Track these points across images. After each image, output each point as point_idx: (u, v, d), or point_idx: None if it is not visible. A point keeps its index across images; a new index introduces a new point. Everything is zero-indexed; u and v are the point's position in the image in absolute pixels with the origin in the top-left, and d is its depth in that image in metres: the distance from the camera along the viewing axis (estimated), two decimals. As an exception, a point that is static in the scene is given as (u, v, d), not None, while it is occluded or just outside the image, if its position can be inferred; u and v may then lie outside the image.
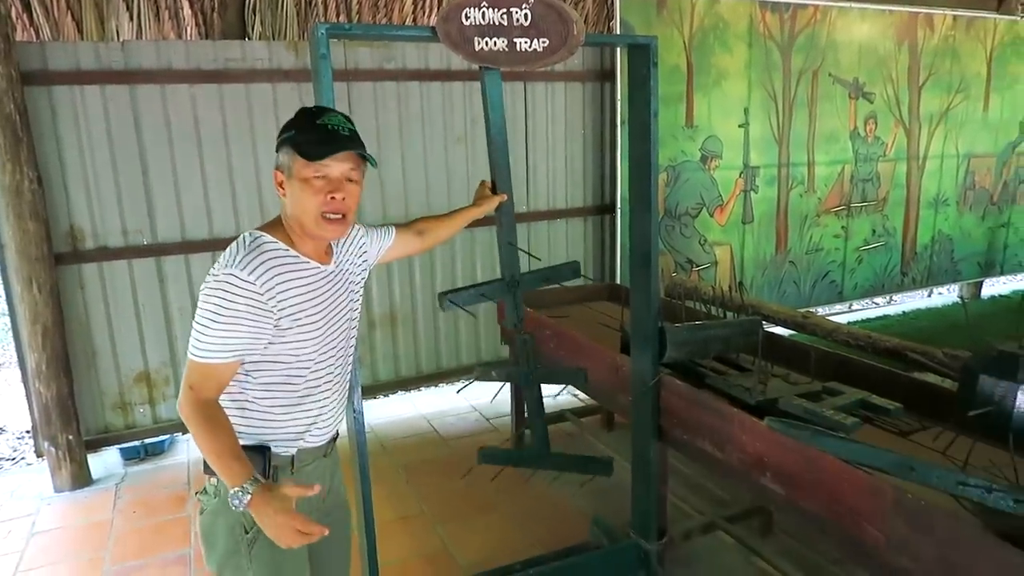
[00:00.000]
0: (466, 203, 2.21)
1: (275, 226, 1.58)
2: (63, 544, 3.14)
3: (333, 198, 1.51)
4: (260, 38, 4.11)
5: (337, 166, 1.51)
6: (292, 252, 1.55)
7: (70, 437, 3.56)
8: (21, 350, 3.56)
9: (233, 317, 1.43)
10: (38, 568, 2.97)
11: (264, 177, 3.91)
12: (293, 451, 1.62)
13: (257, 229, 1.56)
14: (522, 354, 2.38)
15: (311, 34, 1.83)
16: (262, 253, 1.49)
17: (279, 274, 1.49)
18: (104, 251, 3.65)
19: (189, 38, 4.08)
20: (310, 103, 1.79)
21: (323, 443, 1.69)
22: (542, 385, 2.52)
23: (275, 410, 1.57)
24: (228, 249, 1.50)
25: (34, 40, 3.73)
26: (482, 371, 2.38)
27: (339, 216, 1.54)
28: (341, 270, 1.69)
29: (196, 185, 3.79)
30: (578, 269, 2.45)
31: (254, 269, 1.45)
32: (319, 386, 1.62)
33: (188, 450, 4.03)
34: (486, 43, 1.91)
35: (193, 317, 1.48)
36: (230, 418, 1.50)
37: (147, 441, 3.92)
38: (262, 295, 1.45)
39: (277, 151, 1.53)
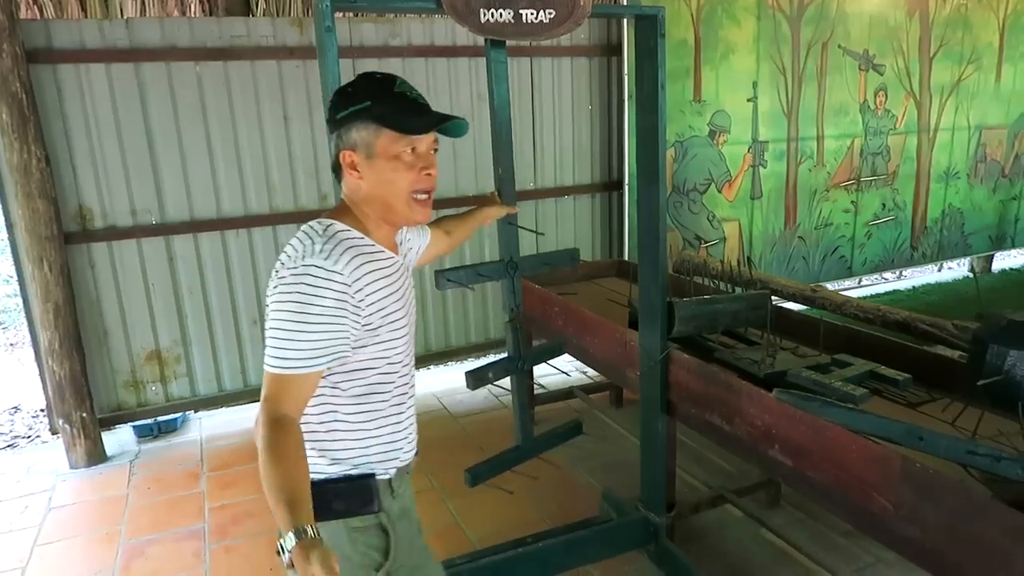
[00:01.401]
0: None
1: (342, 213, 1.38)
2: (79, 519, 3.19)
3: (429, 174, 1.36)
4: (264, 15, 4.08)
5: (425, 139, 1.35)
6: (368, 240, 1.37)
7: (84, 415, 3.61)
8: (34, 329, 3.60)
9: (319, 315, 1.23)
10: (55, 542, 3.02)
11: (272, 155, 3.90)
12: (392, 473, 1.45)
13: (324, 217, 1.36)
14: (511, 342, 2.37)
15: (315, 6, 1.81)
16: (343, 241, 1.30)
17: (364, 263, 1.31)
18: (113, 230, 3.66)
19: (193, 15, 4.06)
20: (316, 80, 1.78)
21: (412, 458, 1.55)
22: (549, 363, 2.52)
23: (369, 425, 1.39)
24: (296, 241, 1.30)
25: (38, 18, 3.72)
26: (475, 379, 2.29)
27: (427, 196, 1.38)
28: (407, 262, 1.55)
29: (203, 164, 3.79)
30: (577, 256, 2.46)
31: (339, 258, 1.26)
32: (407, 392, 1.48)
33: (200, 428, 4.08)
34: (492, 14, 1.89)
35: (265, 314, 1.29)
36: (322, 445, 1.35)
37: (160, 419, 3.96)
38: (350, 287, 1.26)
39: (342, 127, 1.32)
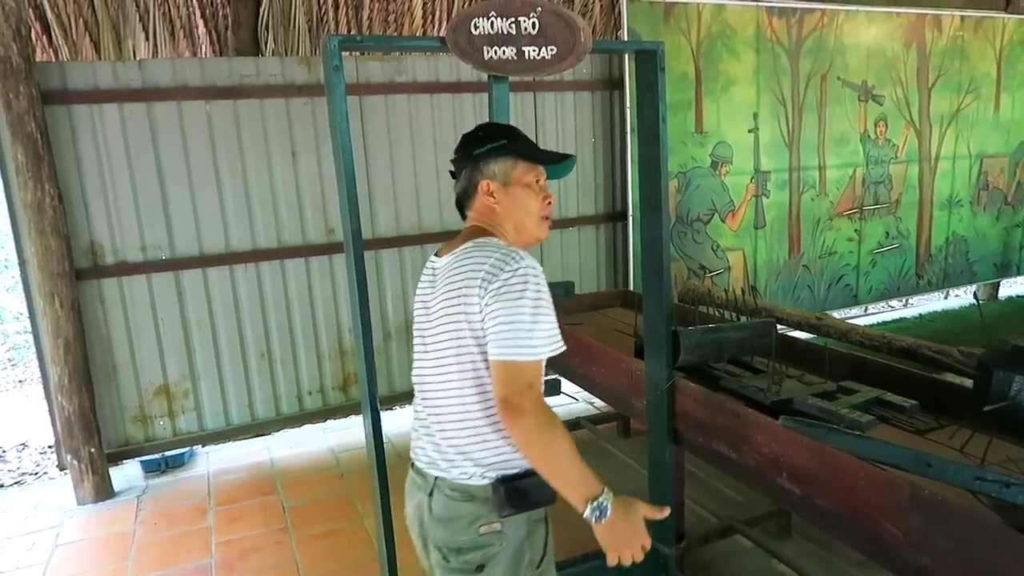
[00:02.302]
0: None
1: (486, 234, 1.54)
2: (86, 555, 3.18)
3: (549, 202, 1.61)
4: (273, 54, 4.19)
5: (543, 174, 1.61)
6: None
7: (92, 450, 3.61)
8: (44, 364, 3.63)
9: (549, 305, 1.41)
10: (62, 579, 3.01)
11: (280, 190, 3.97)
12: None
13: (480, 239, 1.51)
14: None
15: (323, 46, 1.87)
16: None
17: None
18: (123, 266, 3.71)
19: (204, 56, 4.16)
20: (323, 117, 1.85)
21: None
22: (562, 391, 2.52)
23: None
24: (487, 254, 1.44)
25: (53, 60, 3.82)
26: None
27: (548, 218, 1.62)
28: None
29: (212, 200, 3.86)
30: (572, 289, 2.48)
31: (533, 260, 1.44)
32: None
33: (207, 462, 4.07)
34: (495, 52, 1.94)
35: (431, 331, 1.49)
36: (493, 440, 1.45)
37: (167, 454, 3.97)
38: None
39: (480, 161, 1.57)
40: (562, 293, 2.45)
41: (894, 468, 1.78)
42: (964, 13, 5.76)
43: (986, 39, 5.92)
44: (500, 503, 1.44)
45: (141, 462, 3.94)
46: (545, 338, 1.38)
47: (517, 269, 1.40)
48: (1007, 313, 6.42)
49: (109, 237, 3.68)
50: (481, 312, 1.40)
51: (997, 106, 6.14)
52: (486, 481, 1.47)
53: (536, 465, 1.38)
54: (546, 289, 1.42)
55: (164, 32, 4.12)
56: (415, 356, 1.61)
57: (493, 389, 1.40)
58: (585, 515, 1.34)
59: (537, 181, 1.59)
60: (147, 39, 4.09)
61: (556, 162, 1.62)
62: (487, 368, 1.43)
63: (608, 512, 1.33)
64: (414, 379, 1.62)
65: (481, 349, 1.42)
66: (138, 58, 3.94)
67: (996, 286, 6.92)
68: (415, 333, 1.62)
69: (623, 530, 1.35)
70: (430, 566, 1.59)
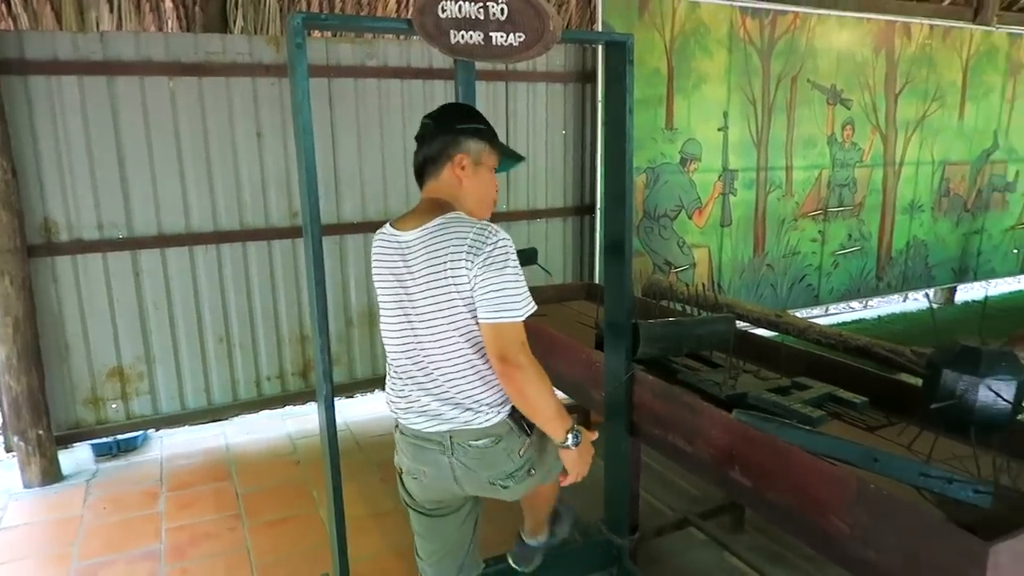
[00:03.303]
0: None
1: (450, 208, 1.69)
2: (30, 540, 3.10)
3: (498, 189, 1.81)
4: (242, 32, 4.10)
5: (495, 162, 1.80)
6: None
7: (40, 432, 3.52)
8: (-9, 343, 3.52)
9: (522, 272, 1.63)
10: (4, 564, 2.93)
11: (244, 171, 3.89)
12: None
13: (451, 214, 1.66)
14: None
15: (287, 23, 1.83)
16: None
17: None
18: (78, 244, 3.61)
19: (169, 31, 4.06)
20: (290, 98, 1.83)
21: None
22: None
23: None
24: (464, 230, 1.60)
25: (12, 29, 3.69)
26: None
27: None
28: None
29: (174, 179, 3.76)
30: (534, 255, 2.49)
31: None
32: None
33: (161, 447, 3.99)
34: (462, 36, 1.91)
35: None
36: (493, 380, 1.68)
37: (120, 437, 3.88)
38: None
39: (460, 135, 1.70)
40: (525, 260, 2.44)
41: (843, 463, 1.81)
42: (933, 22, 5.87)
43: (953, 48, 6.04)
44: (522, 428, 1.75)
45: (92, 445, 3.85)
46: (527, 300, 1.61)
47: (497, 242, 1.59)
48: (962, 317, 6.57)
49: (64, 213, 3.57)
50: (471, 282, 1.58)
51: (961, 115, 6.27)
52: (501, 418, 1.72)
53: (528, 407, 1.64)
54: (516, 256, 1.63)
55: (129, 4, 4.00)
56: (393, 329, 1.75)
57: (488, 346, 1.61)
58: (567, 442, 1.68)
59: (493, 168, 1.78)
60: (111, 11, 3.97)
61: (515, 160, 1.84)
62: (476, 324, 1.63)
63: (580, 438, 1.70)
64: (399, 352, 1.75)
65: (470, 310, 1.62)
66: (101, 30, 3.83)
67: (953, 291, 7.08)
68: (388, 306, 1.75)
69: (585, 452, 1.74)
70: (467, 496, 1.87)
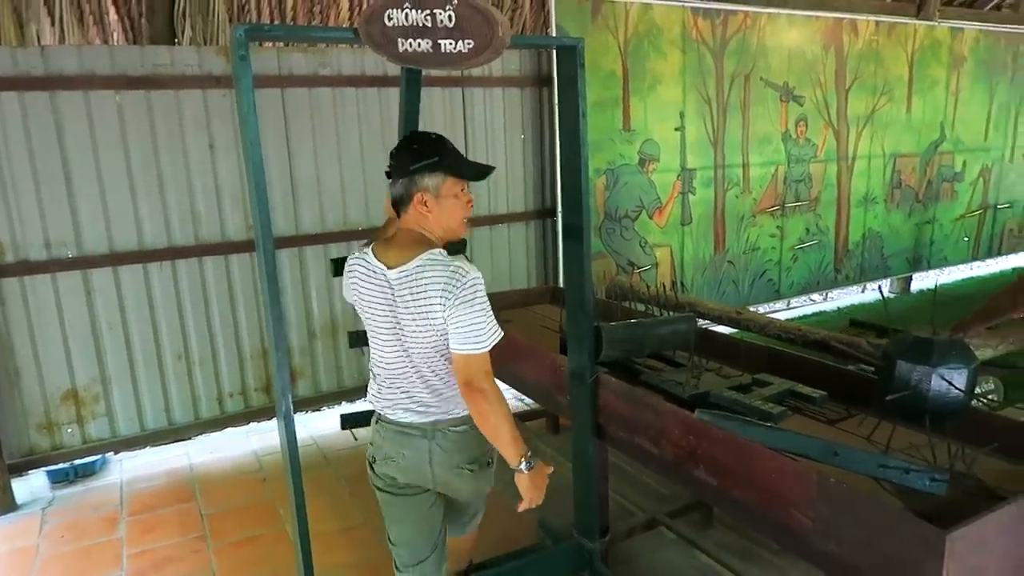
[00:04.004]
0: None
1: (427, 241, 1.86)
2: (-16, 573, 2.99)
3: (471, 205, 1.93)
4: (190, 43, 4.02)
5: (466, 182, 1.91)
6: None
7: (-8, 461, 3.40)
8: (-64, 371, 3.39)
9: (487, 301, 1.81)
10: (-44, 600, 2.82)
11: (198, 185, 3.81)
12: None
13: (435, 250, 1.84)
14: None
15: (231, 36, 1.79)
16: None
17: None
18: (25, 265, 3.49)
19: (115, 43, 3.96)
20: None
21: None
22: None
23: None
24: (441, 269, 1.79)
25: (-54, 46, 3.57)
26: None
27: (468, 219, 1.95)
28: None
29: (124, 195, 3.67)
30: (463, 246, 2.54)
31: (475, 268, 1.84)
32: None
33: (121, 470, 3.88)
34: (410, 44, 1.89)
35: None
36: (456, 402, 1.90)
37: (77, 462, 3.76)
38: None
39: (416, 175, 1.82)
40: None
41: (804, 458, 1.83)
42: (878, 18, 6.01)
43: (899, 44, 6.19)
44: None
45: (47, 472, 3.73)
46: (492, 332, 1.81)
47: (467, 282, 1.78)
48: (917, 306, 6.73)
49: (9, 233, 3.46)
50: (444, 317, 1.80)
51: (909, 108, 6.43)
52: None
53: (488, 429, 1.83)
54: (484, 289, 1.81)
55: (72, 18, 3.89)
56: (385, 345, 1.94)
57: (456, 372, 1.84)
58: (521, 467, 1.83)
59: (463, 190, 1.88)
60: (52, 25, 3.86)
61: (480, 178, 1.92)
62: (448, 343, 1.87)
63: (532, 464, 1.85)
64: (389, 362, 1.95)
65: (444, 335, 1.84)
66: (42, 44, 3.72)
67: (908, 280, 7.25)
68: (381, 327, 1.92)
69: (537, 478, 1.87)
70: (435, 486, 2.02)
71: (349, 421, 2.37)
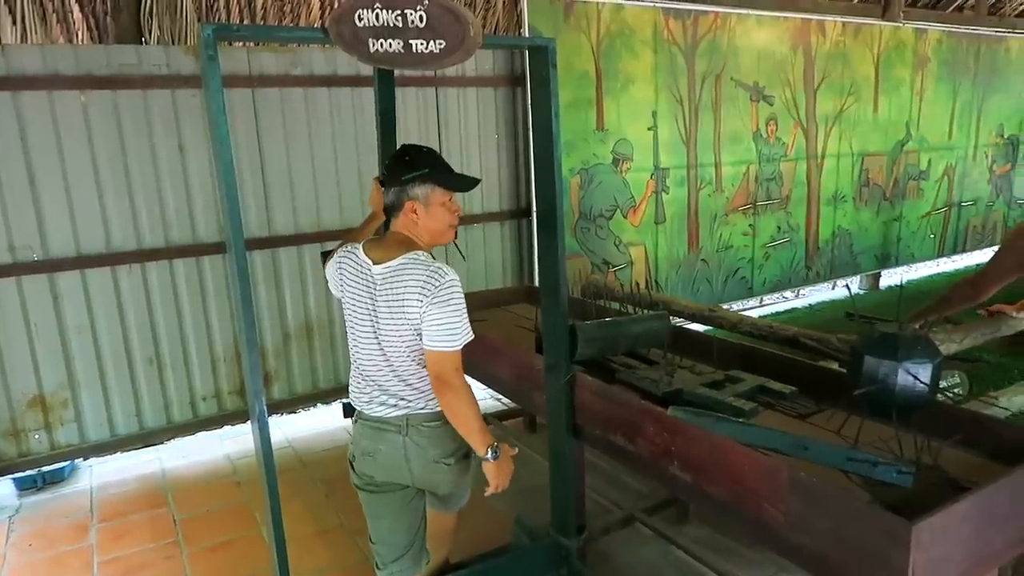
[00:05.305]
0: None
1: (412, 244, 1.97)
2: (-51, 585, 2.92)
3: (458, 213, 2.06)
4: (158, 43, 3.96)
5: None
6: None
7: (-44, 469, 3.32)
8: None
9: (464, 302, 1.92)
10: (-80, 612, 2.76)
11: (168, 187, 3.76)
12: None
13: (415, 251, 1.94)
14: None
15: (198, 35, 1.77)
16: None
17: None
18: (-11, 269, 3.42)
19: (80, 42, 3.89)
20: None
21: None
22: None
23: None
24: (421, 269, 1.89)
25: (-97, 45, 3.48)
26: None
27: (456, 225, 2.07)
28: None
29: (91, 197, 3.61)
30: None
31: (453, 270, 1.94)
32: None
33: (91, 476, 3.82)
34: (381, 44, 1.89)
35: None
36: (429, 398, 2.00)
37: (44, 469, 3.69)
38: None
39: (407, 185, 1.94)
40: None
41: (776, 452, 1.86)
42: (845, 19, 6.11)
43: (865, 44, 6.30)
44: None
45: (14, 479, 3.65)
46: (464, 332, 1.92)
47: (443, 283, 1.88)
48: (886, 302, 6.85)
49: (-28, 237, 3.39)
50: (419, 315, 1.90)
51: (876, 108, 6.55)
52: None
53: (457, 421, 1.94)
54: (461, 291, 1.91)
55: (34, 16, 3.81)
56: (362, 340, 2.03)
57: (428, 367, 1.94)
58: (488, 456, 1.95)
59: (450, 199, 2.01)
60: (14, 23, 3.77)
61: (466, 188, 2.04)
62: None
63: (499, 453, 1.96)
64: (365, 357, 2.04)
65: (419, 332, 1.94)
66: (2, 43, 3.64)
67: (877, 276, 7.39)
68: (360, 322, 2.02)
69: (504, 465, 2.00)
70: (415, 482, 2.10)
71: (351, 409, 2.33)
